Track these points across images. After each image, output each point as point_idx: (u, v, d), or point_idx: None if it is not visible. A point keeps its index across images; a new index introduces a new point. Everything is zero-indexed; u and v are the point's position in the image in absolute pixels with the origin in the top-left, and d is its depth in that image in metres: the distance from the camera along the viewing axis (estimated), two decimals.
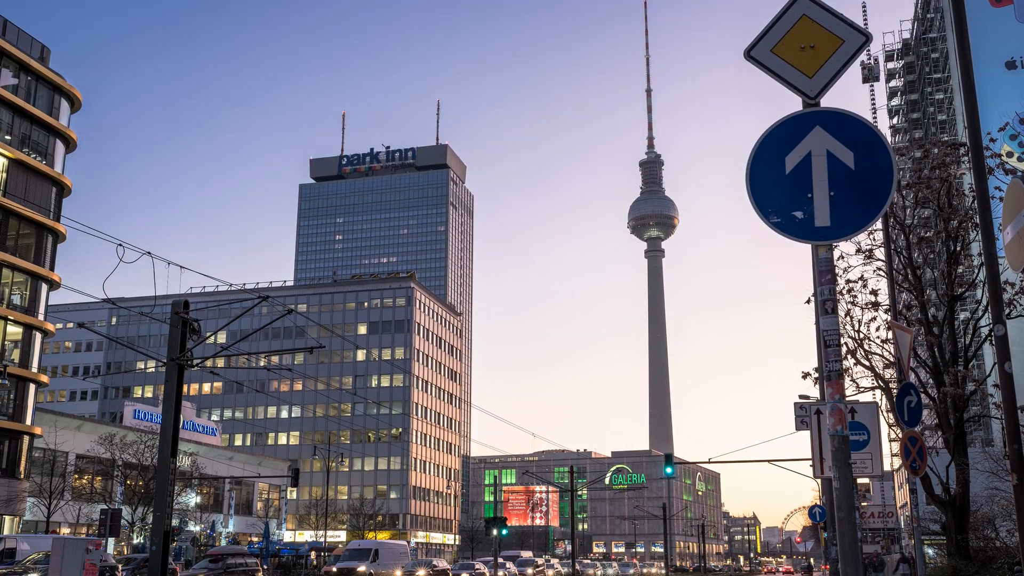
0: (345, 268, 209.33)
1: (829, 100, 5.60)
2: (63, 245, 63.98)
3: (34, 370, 60.48)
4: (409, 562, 59.58)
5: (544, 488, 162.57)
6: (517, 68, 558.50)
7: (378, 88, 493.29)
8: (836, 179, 5.28)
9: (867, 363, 22.40)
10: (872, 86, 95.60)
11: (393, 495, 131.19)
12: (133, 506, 61.71)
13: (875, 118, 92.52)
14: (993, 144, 22.45)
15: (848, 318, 22.42)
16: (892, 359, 21.38)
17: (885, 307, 21.64)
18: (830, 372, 5.22)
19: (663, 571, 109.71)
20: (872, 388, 23.29)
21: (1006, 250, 6.61)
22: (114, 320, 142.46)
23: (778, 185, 5.39)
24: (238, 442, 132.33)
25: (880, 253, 21.67)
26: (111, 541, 52.83)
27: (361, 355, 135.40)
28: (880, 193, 5.26)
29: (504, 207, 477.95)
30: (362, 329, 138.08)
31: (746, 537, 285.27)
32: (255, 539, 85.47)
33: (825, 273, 5.31)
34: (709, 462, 42.97)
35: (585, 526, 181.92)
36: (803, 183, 5.32)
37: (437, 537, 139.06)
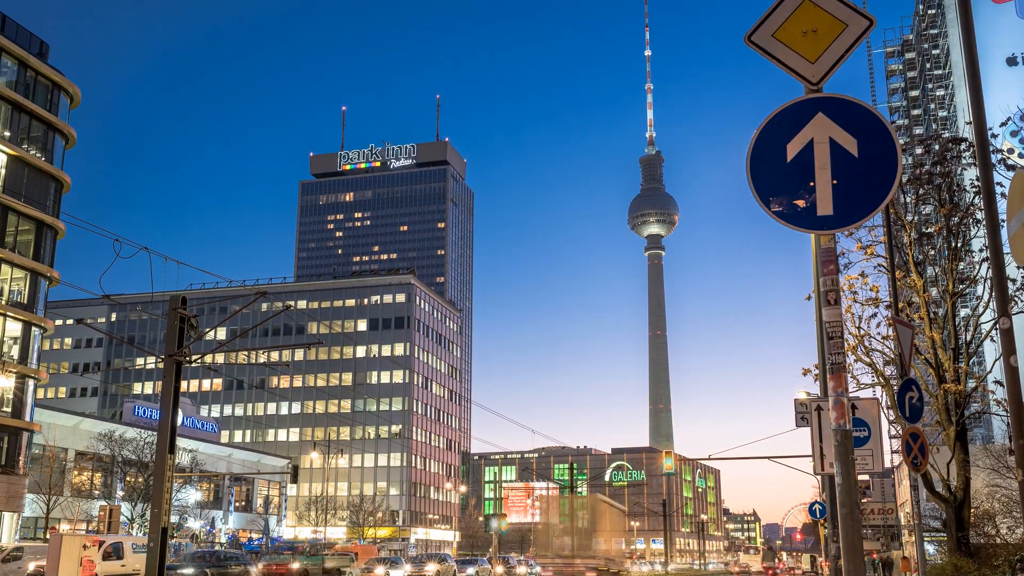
0: (345, 264, 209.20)
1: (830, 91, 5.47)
2: (62, 241, 63.89)
3: (33, 366, 60.37)
4: None
5: (544, 485, 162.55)
6: (517, 65, 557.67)
7: (378, 84, 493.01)
8: (839, 167, 5.16)
9: (867, 360, 22.32)
10: (872, 82, 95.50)
11: (393, 491, 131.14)
12: (133, 503, 61.69)
13: None
14: (994, 140, 22.37)
15: (849, 315, 22.33)
16: (893, 355, 21.28)
17: (886, 303, 21.56)
18: (832, 364, 5.12)
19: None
20: (872, 385, 23.23)
21: (1011, 243, 6.51)
22: (113, 317, 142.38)
23: (779, 173, 5.26)
24: (238, 438, 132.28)
25: (881, 249, 21.59)
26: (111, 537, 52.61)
27: (361, 351, 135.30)
28: (884, 181, 5.14)
29: (504, 203, 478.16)
30: (362, 325, 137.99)
31: (746, 534, 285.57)
32: (255, 535, 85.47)
33: (827, 263, 5.20)
34: (709, 459, 42.88)
35: (585, 523, 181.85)
36: (805, 171, 5.20)
37: (437, 534, 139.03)
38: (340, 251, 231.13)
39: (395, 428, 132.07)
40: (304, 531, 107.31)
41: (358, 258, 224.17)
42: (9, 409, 57.32)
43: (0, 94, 58.41)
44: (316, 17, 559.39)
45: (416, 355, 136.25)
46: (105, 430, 68.75)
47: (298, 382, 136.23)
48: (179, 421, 28.46)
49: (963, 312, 26.86)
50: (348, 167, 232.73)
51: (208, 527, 78.11)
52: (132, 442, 64.36)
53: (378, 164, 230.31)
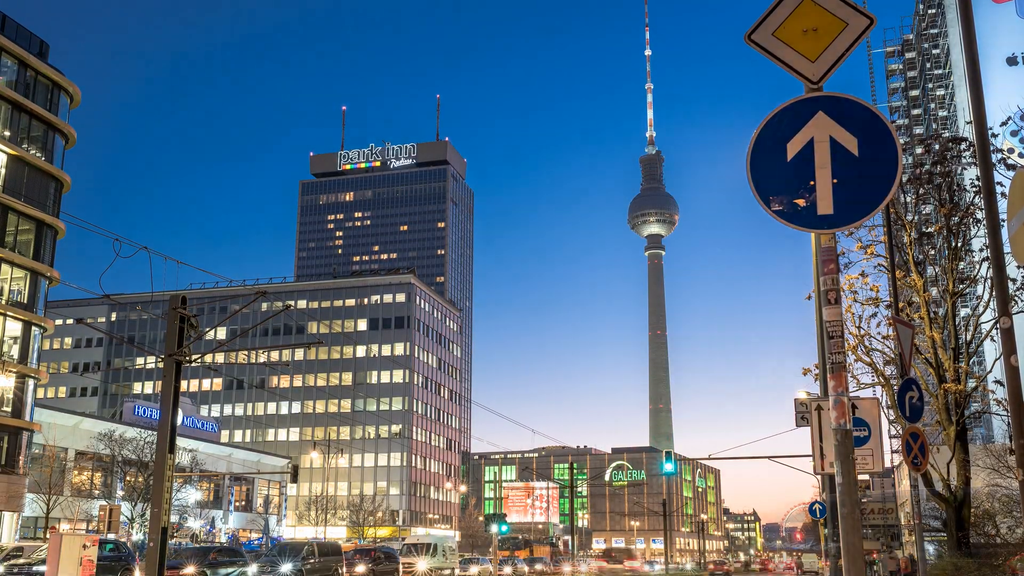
0: (345, 264, 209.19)
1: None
2: (62, 241, 63.87)
3: (33, 366, 60.35)
4: None
5: (544, 484, 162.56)
6: (517, 65, 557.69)
7: (378, 84, 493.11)
8: (839, 166, 5.15)
9: (868, 359, 22.31)
10: (872, 82, 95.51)
11: (393, 491, 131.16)
12: (133, 502, 61.65)
13: None
14: (995, 140, 22.36)
15: (849, 314, 22.33)
16: (893, 355, 21.27)
17: (886, 303, 21.56)
18: (832, 364, 5.10)
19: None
20: (873, 384, 23.23)
21: (1011, 243, 6.49)
22: (113, 316, 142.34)
23: (780, 172, 5.25)
24: (238, 438, 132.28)
25: (881, 249, 21.58)
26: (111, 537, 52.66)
27: (361, 351, 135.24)
28: (885, 181, 5.13)
29: (504, 203, 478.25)
30: (362, 325, 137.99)
31: (746, 533, 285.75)
32: (255, 535, 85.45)
33: (828, 263, 5.19)
34: (709, 458, 42.82)
35: (585, 522, 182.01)
36: (805, 170, 5.19)
37: (437, 534, 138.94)
38: (340, 251, 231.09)
39: (395, 428, 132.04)
40: (304, 531, 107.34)
41: (358, 258, 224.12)
42: (9, 409, 57.31)
43: (0, 94, 58.38)
44: (316, 17, 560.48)
45: (416, 355, 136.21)
46: (105, 430, 68.72)
47: (298, 382, 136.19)
48: (179, 421, 28.46)
49: (963, 312, 26.87)
50: (348, 167, 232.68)
51: (208, 527, 78.10)
52: (132, 442, 64.34)
53: (378, 164, 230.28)
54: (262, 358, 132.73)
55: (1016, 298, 20.32)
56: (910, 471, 15.40)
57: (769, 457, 35.89)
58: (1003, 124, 27.59)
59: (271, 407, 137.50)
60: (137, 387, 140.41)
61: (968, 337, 22.52)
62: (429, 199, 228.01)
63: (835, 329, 5.11)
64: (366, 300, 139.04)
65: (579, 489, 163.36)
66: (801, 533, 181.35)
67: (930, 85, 76.37)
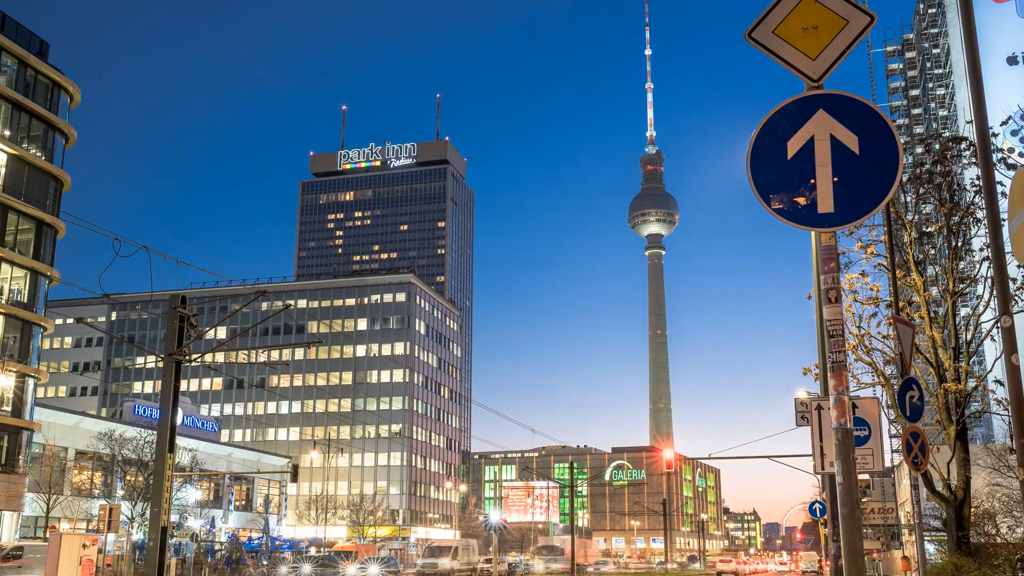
0: (345, 264, 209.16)
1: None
2: (61, 241, 63.85)
3: (33, 365, 60.33)
4: None
5: (544, 484, 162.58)
6: (517, 65, 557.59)
7: (378, 84, 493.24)
8: (840, 164, 5.13)
9: (868, 359, 22.28)
10: (873, 81, 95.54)
11: (393, 490, 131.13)
12: (133, 502, 61.64)
13: None
14: (995, 139, 22.30)
15: (849, 313, 22.31)
16: (893, 354, 21.25)
17: (886, 302, 21.54)
18: (833, 363, 5.09)
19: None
20: (873, 384, 23.20)
21: (1012, 242, 6.48)
22: (113, 316, 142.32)
23: (780, 170, 5.23)
24: (238, 437, 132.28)
25: (881, 248, 21.57)
26: (111, 537, 52.71)
27: (361, 350, 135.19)
28: (885, 179, 5.11)
29: (504, 203, 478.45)
30: (362, 324, 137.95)
31: (746, 532, 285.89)
32: (255, 535, 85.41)
33: (828, 261, 5.18)
34: (709, 458, 42.87)
35: (585, 521, 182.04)
36: (806, 168, 5.18)
37: (437, 533, 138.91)
38: (340, 250, 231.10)
39: (395, 427, 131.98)
40: (304, 530, 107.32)
41: (358, 257, 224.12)
42: (9, 408, 57.29)
43: (0, 93, 58.34)
44: (316, 16, 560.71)
45: (416, 354, 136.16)
46: (105, 429, 68.72)
47: (298, 381, 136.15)
48: (179, 420, 28.46)
49: (963, 311, 26.86)
50: (348, 166, 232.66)
51: (208, 526, 78.07)
52: (132, 441, 64.33)
53: (378, 163, 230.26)
54: (262, 358, 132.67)
55: (1016, 297, 20.30)
56: (910, 471, 15.39)
57: (769, 457, 35.90)
58: (1003, 123, 27.49)
59: (271, 407, 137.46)
60: (137, 386, 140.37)
61: (968, 336, 22.49)
62: (429, 199, 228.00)
63: (835, 328, 5.09)
64: (366, 300, 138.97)
65: (579, 489, 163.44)
66: (801, 533, 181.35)
67: (930, 84, 76.35)
